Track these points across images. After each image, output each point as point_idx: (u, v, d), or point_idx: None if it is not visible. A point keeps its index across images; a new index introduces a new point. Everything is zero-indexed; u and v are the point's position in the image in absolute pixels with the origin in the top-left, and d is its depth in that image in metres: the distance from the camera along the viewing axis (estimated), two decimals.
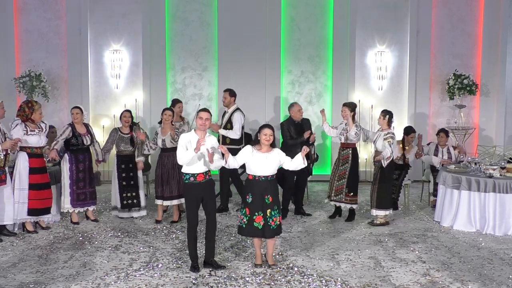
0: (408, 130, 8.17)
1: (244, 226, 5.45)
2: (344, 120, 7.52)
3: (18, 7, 10.48)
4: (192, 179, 5.39)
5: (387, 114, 7.17)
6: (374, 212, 7.21)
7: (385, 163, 7.04)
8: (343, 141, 7.50)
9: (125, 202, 7.53)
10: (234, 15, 10.53)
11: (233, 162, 5.40)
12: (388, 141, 6.99)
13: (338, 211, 7.71)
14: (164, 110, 7.52)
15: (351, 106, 7.48)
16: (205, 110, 5.46)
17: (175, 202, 7.38)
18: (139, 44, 10.53)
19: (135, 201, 7.58)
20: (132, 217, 7.59)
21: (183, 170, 5.43)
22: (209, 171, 5.47)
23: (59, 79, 10.58)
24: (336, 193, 7.49)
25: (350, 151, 7.43)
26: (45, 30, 10.52)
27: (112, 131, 7.61)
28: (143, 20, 10.48)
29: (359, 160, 7.82)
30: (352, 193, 7.42)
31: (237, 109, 8.12)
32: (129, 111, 7.63)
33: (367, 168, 10.42)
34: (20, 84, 10.01)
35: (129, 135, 7.54)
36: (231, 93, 8.17)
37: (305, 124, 7.85)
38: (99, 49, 10.58)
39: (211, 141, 5.43)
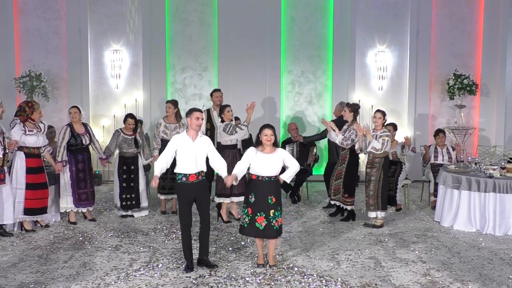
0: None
1: (245, 225, 5.46)
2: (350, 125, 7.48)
3: (18, 7, 10.47)
4: (184, 179, 5.39)
5: (385, 115, 7.13)
6: (379, 214, 7.10)
7: (366, 152, 7.04)
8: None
9: (124, 203, 7.58)
10: (234, 15, 10.52)
11: (241, 173, 5.45)
12: (383, 139, 6.92)
13: (339, 210, 7.70)
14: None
15: (351, 106, 7.46)
16: (199, 110, 5.52)
17: None
18: (139, 44, 10.52)
19: (133, 202, 7.61)
20: (133, 216, 7.63)
21: (176, 170, 5.44)
22: (202, 171, 5.47)
23: (59, 79, 10.57)
24: (335, 193, 7.50)
25: (348, 152, 7.39)
26: (45, 30, 10.51)
27: (114, 134, 7.62)
28: (143, 20, 10.47)
29: (360, 161, 7.79)
30: (347, 195, 7.37)
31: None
32: (133, 117, 7.61)
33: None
34: (20, 84, 10.00)
35: (132, 136, 7.56)
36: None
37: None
38: (99, 49, 10.57)
39: (203, 141, 5.45)
